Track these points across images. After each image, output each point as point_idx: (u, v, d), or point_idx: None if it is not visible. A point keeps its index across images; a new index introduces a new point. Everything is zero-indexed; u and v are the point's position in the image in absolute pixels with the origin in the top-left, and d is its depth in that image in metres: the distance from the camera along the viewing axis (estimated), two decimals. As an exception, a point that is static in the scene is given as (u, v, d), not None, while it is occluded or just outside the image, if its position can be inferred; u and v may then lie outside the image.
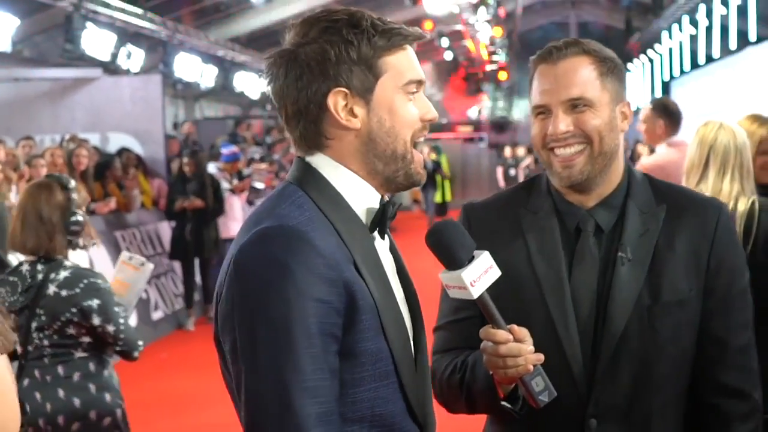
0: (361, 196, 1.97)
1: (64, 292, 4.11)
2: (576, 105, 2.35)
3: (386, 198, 2.02)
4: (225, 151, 12.96)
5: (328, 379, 1.80)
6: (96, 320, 4.11)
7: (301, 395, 1.76)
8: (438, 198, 25.35)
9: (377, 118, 1.95)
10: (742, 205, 3.87)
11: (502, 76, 35.04)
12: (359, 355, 1.85)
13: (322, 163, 1.97)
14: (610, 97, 2.38)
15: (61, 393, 4.12)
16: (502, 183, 25.23)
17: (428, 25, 21.53)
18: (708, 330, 2.38)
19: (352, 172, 1.97)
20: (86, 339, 4.17)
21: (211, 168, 12.41)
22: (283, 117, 1.99)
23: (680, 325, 2.35)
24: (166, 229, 12.03)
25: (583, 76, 2.36)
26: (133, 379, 8.79)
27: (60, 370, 4.16)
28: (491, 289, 2.07)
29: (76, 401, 4.13)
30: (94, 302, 4.11)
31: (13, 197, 8.27)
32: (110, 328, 4.16)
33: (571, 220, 2.42)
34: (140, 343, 4.31)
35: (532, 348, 2.12)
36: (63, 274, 4.16)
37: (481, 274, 2.04)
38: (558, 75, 2.38)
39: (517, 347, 2.09)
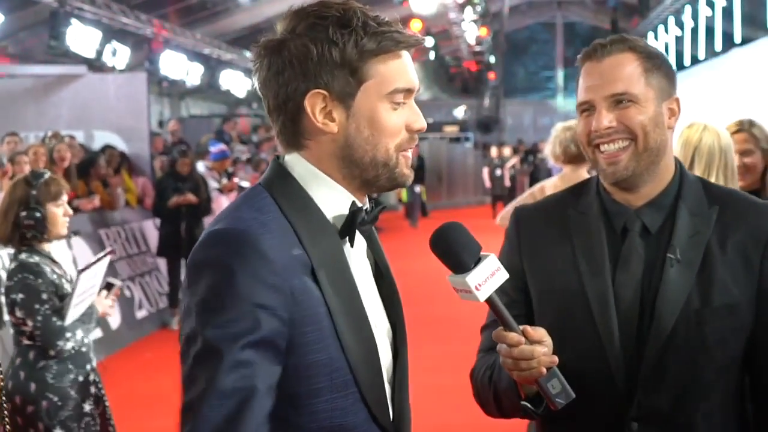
0: (333, 200, 1.91)
1: (6, 283, 4.49)
2: (620, 101, 2.32)
3: (359, 204, 1.94)
4: (213, 149, 12.93)
5: (258, 382, 1.73)
6: (19, 313, 4.42)
7: (241, 408, 1.70)
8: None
9: (356, 124, 1.88)
10: None
11: (489, 75, 35.07)
12: (310, 365, 1.80)
13: (296, 165, 1.92)
14: (655, 94, 2.34)
15: (9, 372, 4.46)
16: (488, 183, 25.25)
17: (416, 24, 21.52)
18: (764, 334, 2.33)
19: (327, 176, 1.91)
20: (28, 328, 4.45)
21: (200, 167, 12.38)
22: (266, 108, 1.95)
23: (729, 330, 2.30)
24: (150, 228, 11.99)
25: (627, 71, 2.33)
26: (117, 379, 8.76)
27: (15, 351, 4.54)
28: (534, 287, 2.10)
29: (9, 383, 4.42)
30: (19, 296, 4.41)
31: (-3, 194, 8.22)
32: (29, 323, 4.43)
33: (618, 221, 2.39)
34: (59, 343, 4.46)
35: (546, 350, 2.09)
36: (12, 265, 4.52)
37: (487, 277, 2.01)
38: (602, 71, 2.35)
39: (529, 350, 2.07)
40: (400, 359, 2.00)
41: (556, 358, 2.09)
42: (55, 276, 4.54)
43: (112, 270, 10.69)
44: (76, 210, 10.45)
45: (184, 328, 1.80)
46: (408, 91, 1.92)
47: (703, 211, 2.37)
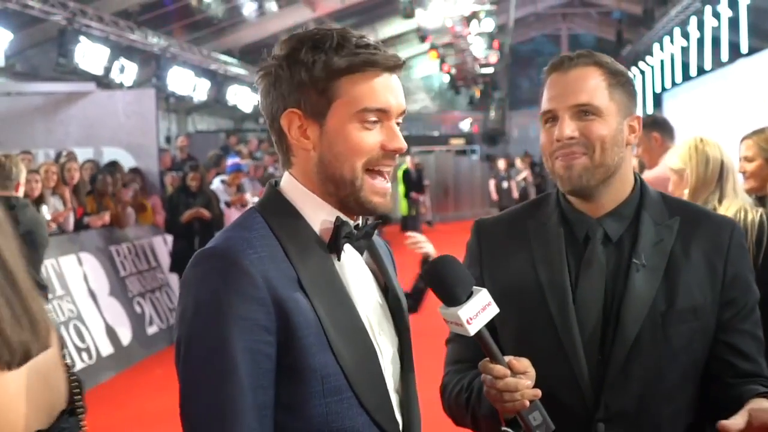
0: (322, 216, 1.99)
1: None
2: (584, 112, 2.37)
3: (343, 218, 1.99)
4: (229, 162, 12.99)
5: (253, 398, 1.83)
6: None
7: (227, 415, 1.82)
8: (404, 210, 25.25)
9: (328, 141, 1.94)
10: (751, 216, 3.92)
11: (495, 88, 35.12)
12: (302, 371, 1.86)
13: (287, 184, 2.02)
14: (617, 109, 2.40)
15: None
16: (494, 196, 25.10)
17: (423, 42, 21.56)
18: (725, 340, 2.40)
19: (310, 192, 1.99)
20: None
21: (216, 181, 12.43)
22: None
23: (693, 333, 2.36)
24: (160, 244, 12.02)
25: (592, 84, 2.39)
26: (128, 395, 8.77)
27: None
28: (495, 298, 2.08)
29: None
30: None
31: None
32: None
33: (580, 229, 2.45)
34: None
35: (529, 383, 2.12)
36: None
37: (478, 311, 2.05)
38: (567, 82, 2.41)
39: (514, 383, 2.09)
40: (406, 367, 2.05)
41: (539, 392, 2.12)
42: None
43: (123, 286, 10.72)
44: (86, 227, 10.52)
45: (176, 338, 1.92)
46: (381, 111, 1.95)
47: (665, 221, 2.44)
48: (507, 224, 2.58)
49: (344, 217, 1.99)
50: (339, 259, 1.98)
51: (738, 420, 2.14)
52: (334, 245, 1.97)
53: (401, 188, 24.79)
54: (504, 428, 2.22)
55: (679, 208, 2.51)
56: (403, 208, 24.85)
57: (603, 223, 2.43)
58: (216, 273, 1.85)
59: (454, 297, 2.05)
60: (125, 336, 10.27)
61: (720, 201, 4.01)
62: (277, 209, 1.98)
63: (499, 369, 2.10)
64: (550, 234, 2.47)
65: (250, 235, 1.91)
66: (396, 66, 1.96)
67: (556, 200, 2.52)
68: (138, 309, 10.79)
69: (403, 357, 2.06)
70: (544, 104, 2.44)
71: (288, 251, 1.91)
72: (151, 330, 10.93)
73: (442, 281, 2.07)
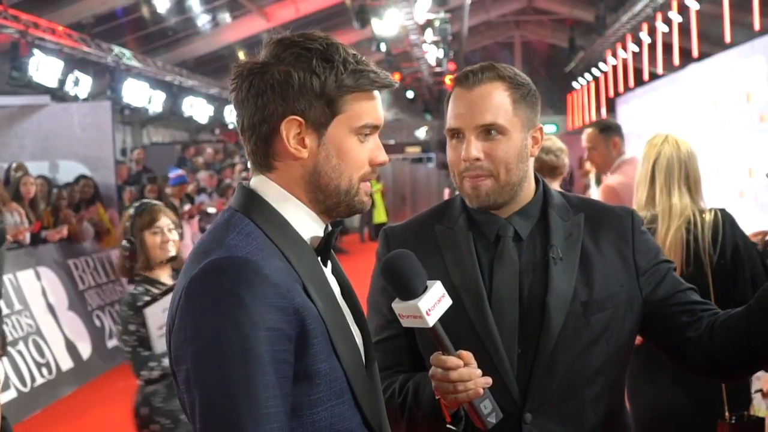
0: (306, 222, 2.00)
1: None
2: (489, 131, 2.46)
3: (330, 227, 2.05)
4: (172, 174, 12.89)
5: (280, 405, 1.81)
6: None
7: (255, 423, 1.77)
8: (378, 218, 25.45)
9: (326, 153, 1.97)
10: (708, 216, 3.99)
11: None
12: (314, 376, 1.88)
13: (267, 188, 2.00)
14: (521, 124, 2.49)
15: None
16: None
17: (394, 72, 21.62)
18: (677, 302, 2.53)
19: (296, 199, 2.00)
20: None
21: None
22: (239, 127, 2.02)
23: (611, 319, 2.47)
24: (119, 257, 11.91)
25: (496, 102, 2.46)
26: (89, 409, 8.70)
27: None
28: None
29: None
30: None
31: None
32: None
33: (491, 229, 2.53)
34: (143, 372, 4.68)
35: (480, 372, 2.17)
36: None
37: (435, 302, 2.10)
38: (472, 100, 2.47)
39: (468, 372, 2.15)
40: (372, 368, 2.09)
41: (489, 380, 2.18)
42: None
43: (82, 300, 10.62)
44: (44, 240, 10.42)
45: (182, 356, 1.85)
46: (375, 128, 2.03)
47: (571, 217, 2.56)
48: (415, 231, 2.64)
49: (324, 224, 2.03)
50: (326, 265, 2.01)
51: None
52: (323, 251, 2.00)
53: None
54: (449, 425, 2.28)
55: (581, 204, 2.63)
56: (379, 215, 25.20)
57: (512, 221, 2.53)
58: (238, 282, 1.82)
59: (412, 290, 2.10)
60: (85, 350, 10.19)
61: (670, 198, 4.06)
62: (263, 214, 1.97)
63: (453, 360, 2.16)
64: (459, 237, 2.55)
65: (257, 243, 1.90)
66: (391, 86, 2.03)
67: (461, 204, 2.59)
68: (98, 322, 10.71)
69: (368, 357, 2.09)
70: (450, 121, 2.51)
71: (288, 257, 1.92)
72: (111, 343, 10.85)
73: (401, 275, 2.12)
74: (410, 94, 32.28)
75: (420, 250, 2.42)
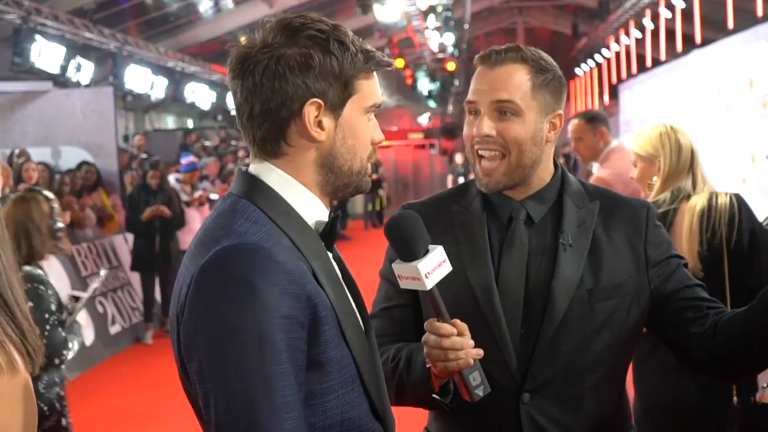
0: (311, 209, 1.98)
1: None
2: (503, 111, 2.46)
3: (333, 213, 2.04)
4: (184, 161, 12.87)
5: (296, 393, 1.79)
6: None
7: (272, 413, 1.75)
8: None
9: (342, 134, 1.97)
10: (723, 199, 4.00)
11: (452, 82, 35.18)
12: (326, 364, 1.86)
13: (269, 174, 1.97)
14: (538, 108, 2.49)
15: None
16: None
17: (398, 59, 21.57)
18: (683, 297, 2.53)
19: (300, 184, 1.97)
20: None
21: (171, 179, 12.34)
22: (247, 114, 1.95)
23: (615, 309, 2.48)
24: (121, 243, 11.93)
25: (516, 82, 2.47)
26: (93, 395, 8.72)
27: None
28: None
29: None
30: (28, 305, 4.49)
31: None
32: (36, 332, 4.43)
33: (504, 211, 2.56)
34: (64, 352, 4.62)
35: (472, 342, 2.19)
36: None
37: (435, 266, 2.11)
38: (493, 78, 2.49)
39: (460, 341, 2.17)
40: (375, 356, 2.08)
41: (481, 351, 2.19)
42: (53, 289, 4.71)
43: (84, 286, 10.64)
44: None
45: (194, 346, 1.82)
46: (378, 107, 2.05)
47: (586, 205, 2.57)
48: (434, 209, 2.65)
49: (327, 208, 2.02)
50: (330, 251, 2.00)
51: None
52: (328, 236, 1.99)
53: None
54: (435, 395, 2.30)
55: (597, 193, 2.64)
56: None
57: (525, 204, 2.55)
58: (251, 270, 1.79)
59: (414, 251, 2.11)
60: (88, 336, 10.19)
61: (694, 187, 4.08)
62: (268, 200, 1.93)
63: (446, 327, 2.17)
64: (473, 217, 2.58)
65: (267, 229, 1.87)
66: (390, 66, 2.06)
67: (477, 188, 2.61)
68: (100, 309, 10.71)
69: (370, 344, 2.08)
70: (470, 95, 2.54)
71: (296, 243, 1.89)
72: (114, 329, 10.86)
73: (403, 235, 2.13)
74: (417, 81, 32.23)
75: (436, 228, 2.45)
